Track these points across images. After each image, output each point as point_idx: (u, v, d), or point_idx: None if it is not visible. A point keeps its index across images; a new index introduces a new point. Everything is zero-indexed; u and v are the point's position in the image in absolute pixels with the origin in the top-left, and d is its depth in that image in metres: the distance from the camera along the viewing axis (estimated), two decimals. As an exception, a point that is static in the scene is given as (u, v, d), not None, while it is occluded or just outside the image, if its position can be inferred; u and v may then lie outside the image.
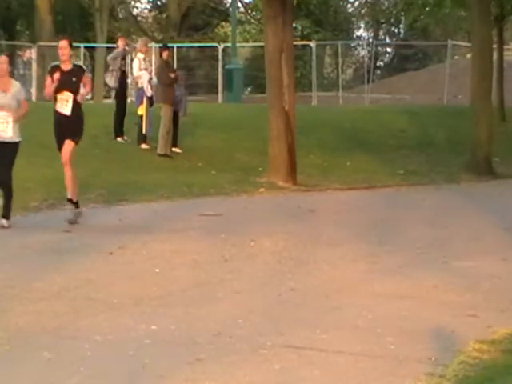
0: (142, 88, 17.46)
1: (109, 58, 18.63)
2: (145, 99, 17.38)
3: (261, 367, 5.64)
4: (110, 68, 18.09)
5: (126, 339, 6.20)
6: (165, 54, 17.83)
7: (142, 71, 17.46)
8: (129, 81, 18.15)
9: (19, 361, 5.74)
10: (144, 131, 17.56)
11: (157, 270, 8.57)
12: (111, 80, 17.92)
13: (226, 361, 5.74)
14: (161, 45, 21.25)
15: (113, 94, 18.79)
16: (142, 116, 17.45)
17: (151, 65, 18.47)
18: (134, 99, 18.04)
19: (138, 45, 18.53)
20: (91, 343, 6.09)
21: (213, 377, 5.42)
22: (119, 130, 17.99)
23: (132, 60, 18.99)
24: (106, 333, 6.34)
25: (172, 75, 17.28)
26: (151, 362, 5.70)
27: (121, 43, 18.44)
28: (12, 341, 6.15)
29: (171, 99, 17.25)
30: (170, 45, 30.35)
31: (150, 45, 19.06)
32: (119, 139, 17.96)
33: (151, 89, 17.42)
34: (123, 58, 18.08)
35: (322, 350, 6.03)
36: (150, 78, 17.41)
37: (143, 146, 17.49)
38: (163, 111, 17.14)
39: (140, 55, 17.77)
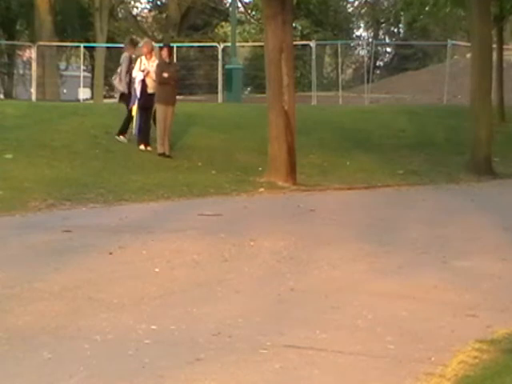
0: (135, 89, 17.46)
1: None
2: (136, 101, 17.40)
3: (261, 367, 5.65)
4: (119, 70, 18.05)
5: (126, 339, 6.20)
6: (163, 53, 17.78)
7: (139, 72, 17.41)
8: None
9: (19, 361, 5.74)
10: (134, 132, 17.61)
11: (157, 270, 8.57)
12: (120, 84, 17.85)
13: (225, 361, 5.75)
14: (161, 44, 21.22)
15: (117, 95, 18.69)
16: (133, 116, 17.53)
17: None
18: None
19: (142, 46, 18.34)
20: (91, 343, 6.09)
21: (213, 377, 5.42)
22: (124, 130, 17.92)
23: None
24: (106, 333, 6.35)
25: (165, 74, 17.11)
26: (151, 362, 5.70)
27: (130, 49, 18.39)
28: (12, 341, 6.16)
29: (163, 98, 17.12)
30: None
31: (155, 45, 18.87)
32: (122, 138, 17.88)
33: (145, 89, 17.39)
34: (131, 63, 18.03)
35: (321, 349, 6.03)
36: (142, 80, 17.37)
37: (141, 146, 17.47)
38: (157, 111, 17.14)
39: (143, 56, 17.69)
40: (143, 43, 18.67)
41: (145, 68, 17.45)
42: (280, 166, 15.98)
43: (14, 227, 11.00)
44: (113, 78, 18.88)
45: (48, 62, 33.40)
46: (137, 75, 17.42)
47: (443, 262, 9.13)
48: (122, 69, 17.89)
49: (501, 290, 7.98)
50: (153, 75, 17.25)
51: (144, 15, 50.79)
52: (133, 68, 17.83)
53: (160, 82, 17.05)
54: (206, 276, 8.39)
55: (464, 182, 17.30)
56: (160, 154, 17.07)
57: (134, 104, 17.50)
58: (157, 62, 17.50)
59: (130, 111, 17.69)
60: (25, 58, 42.59)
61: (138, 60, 17.75)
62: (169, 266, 8.78)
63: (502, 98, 24.51)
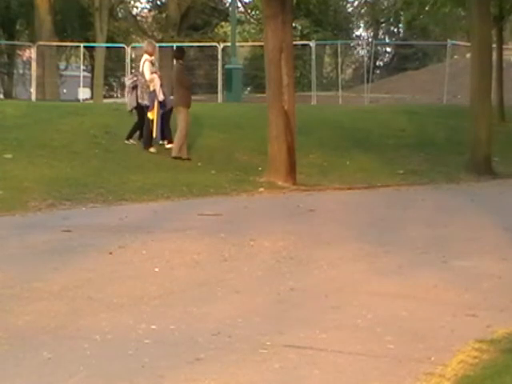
0: (153, 91, 17.22)
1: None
2: (156, 103, 17.18)
3: (260, 367, 5.65)
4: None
5: (126, 339, 6.20)
6: (183, 57, 17.85)
7: (153, 74, 17.25)
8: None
9: (19, 360, 5.74)
10: (154, 135, 17.38)
11: (156, 270, 8.58)
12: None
13: (225, 360, 5.75)
14: (177, 45, 21.18)
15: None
16: (152, 120, 17.20)
17: (157, 66, 18.25)
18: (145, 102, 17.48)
19: (145, 47, 18.19)
20: (91, 343, 6.09)
21: (213, 377, 5.42)
22: (138, 135, 17.78)
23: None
24: (106, 332, 6.35)
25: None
26: (151, 362, 5.70)
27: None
28: (11, 340, 6.15)
29: (189, 102, 17.26)
30: (169, 44, 30.47)
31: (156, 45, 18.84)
32: (131, 141, 17.76)
33: (163, 93, 17.30)
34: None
35: (321, 349, 6.03)
36: (161, 84, 17.28)
37: (152, 149, 17.36)
38: (181, 114, 17.08)
39: (148, 57, 17.52)
40: (148, 43, 18.52)
41: (156, 70, 17.41)
42: (280, 165, 15.98)
43: (14, 227, 11.00)
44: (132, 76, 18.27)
45: (48, 62, 33.39)
46: (154, 78, 17.17)
47: (443, 262, 9.13)
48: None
49: (501, 290, 7.97)
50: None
51: (144, 15, 50.76)
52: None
53: (188, 85, 17.22)
54: (206, 276, 8.39)
55: (464, 182, 17.30)
56: (177, 157, 17.03)
57: (153, 108, 17.23)
58: (155, 63, 17.50)
59: (146, 115, 17.41)
60: (25, 58, 42.62)
61: (146, 62, 17.42)
62: (168, 265, 8.78)
63: (501, 98, 24.53)
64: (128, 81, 18.10)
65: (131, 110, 17.76)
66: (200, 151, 18.05)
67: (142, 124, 17.50)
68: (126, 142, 17.67)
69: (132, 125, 17.81)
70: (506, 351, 5.97)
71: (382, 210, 13.20)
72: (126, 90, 18.18)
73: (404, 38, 52.56)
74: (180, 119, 17.11)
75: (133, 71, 18.45)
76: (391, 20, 54.29)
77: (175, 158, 17.04)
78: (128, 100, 18.04)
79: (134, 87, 17.48)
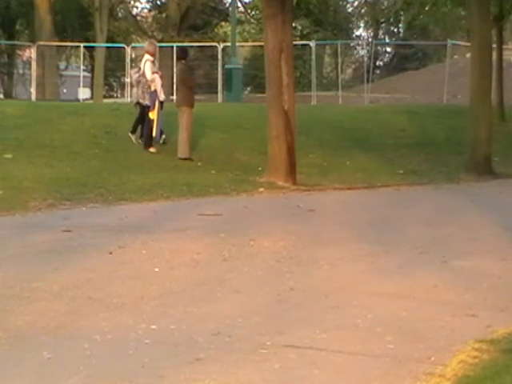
0: (154, 91, 17.22)
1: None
2: (157, 103, 17.15)
3: (260, 367, 5.65)
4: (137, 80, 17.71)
5: (126, 339, 6.20)
6: (186, 58, 17.88)
7: (155, 74, 17.26)
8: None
9: (19, 360, 5.74)
10: (154, 135, 17.39)
11: (156, 270, 8.58)
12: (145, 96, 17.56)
13: (225, 360, 5.75)
14: (179, 45, 21.17)
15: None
16: (153, 120, 17.15)
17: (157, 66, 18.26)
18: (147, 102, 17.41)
19: (146, 47, 18.17)
20: (91, 343, 6.09)
21: (213, 377, 5.42)
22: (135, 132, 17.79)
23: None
24: (106, 332, 6.35)
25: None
26: (151, 362, 5.70)
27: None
28: (11, 340, 6.16)
29: (193, 102, 17.28)
30: (169, 44, 30.46)
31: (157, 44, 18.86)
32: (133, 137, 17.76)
33: (164, 93, 17.33)
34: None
35: (321, 349, 6.03)
36: (162, 84, 17.29)
37: (152, 149, 17.36)
38: (185, 114, 17.08)
39: (149, 57, 17.52)
40: (150, 43, 18.52)
41: (157, 70, 17.43)
42: (280, 165, 15.98)
43: (14, 227, 11.00)
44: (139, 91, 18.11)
45: (48, 62, 33.39)
46: (156, 78, 17.18)
47: (443, 262, 9.13)
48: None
49: (501, 290, 7.97)
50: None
51: (144, 15, 50.75)
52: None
53: (192, 85, 17.26)
54: (206, 276, 8.39)
55: (464, 182, 17.29)
56: (183, 159, 17.04)
57: (154, 107, 17.20)
58: (156, 63, 17.53)
59: (147, 114, 17.36)
60: (25, 58, 42.62)
61: (148, 63, 17.42)
62: (168, 265, 8.78)
63: (501, 98, 24.52)
64: (134, 74, 18.07)
65: (137, 103, 17.78)
66: (200, 151, 18.06)
67: (142, 119, 17.53)
68: (130, 135, 17.69)
69: (134, 119, 17.84)
70: (506, 351, 5.97)
71: (382, 210, 13.20)
72: (134, 82, 18.15)
73: (404, 38, 52.55)
74: (184, 119, 17.13)
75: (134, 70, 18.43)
76: (391, 20, 54.26)
77: (184, 159, 17.02)
78: (135, 93, 18.08)
79: (141, 81, 17.53)
